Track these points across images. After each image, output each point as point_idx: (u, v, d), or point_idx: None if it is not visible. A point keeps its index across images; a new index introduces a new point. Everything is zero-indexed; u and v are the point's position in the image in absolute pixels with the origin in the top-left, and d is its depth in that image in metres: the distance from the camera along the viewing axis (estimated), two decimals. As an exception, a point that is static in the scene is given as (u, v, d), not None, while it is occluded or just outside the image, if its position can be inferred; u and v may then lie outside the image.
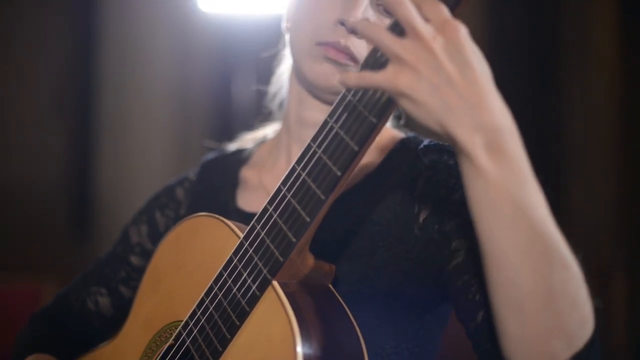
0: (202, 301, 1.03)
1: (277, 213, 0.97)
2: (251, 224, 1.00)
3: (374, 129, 0.88)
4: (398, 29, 0.84)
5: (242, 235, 1.01)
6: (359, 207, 1.12)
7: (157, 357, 1.10)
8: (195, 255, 1.10)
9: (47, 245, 4.23)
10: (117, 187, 4.17)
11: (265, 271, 0.97)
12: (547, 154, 4.70)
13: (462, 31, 0.80)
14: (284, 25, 1.26)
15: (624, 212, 4.84)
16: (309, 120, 1.21)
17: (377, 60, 0.87)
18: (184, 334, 1.05)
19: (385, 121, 0.91)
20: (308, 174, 0.94)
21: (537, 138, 4.42)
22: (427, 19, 0.81)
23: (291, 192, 0.96)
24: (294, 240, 0.95)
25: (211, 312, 1.01)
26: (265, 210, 0.99)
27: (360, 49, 1.11)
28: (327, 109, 0.93)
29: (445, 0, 0.83)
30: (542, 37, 5.06)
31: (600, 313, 0.89)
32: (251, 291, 0.98)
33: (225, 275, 1.01)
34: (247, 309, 0.97)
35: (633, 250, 4.77)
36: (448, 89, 0.79)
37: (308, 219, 0.94)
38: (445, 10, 0.81)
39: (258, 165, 1.32)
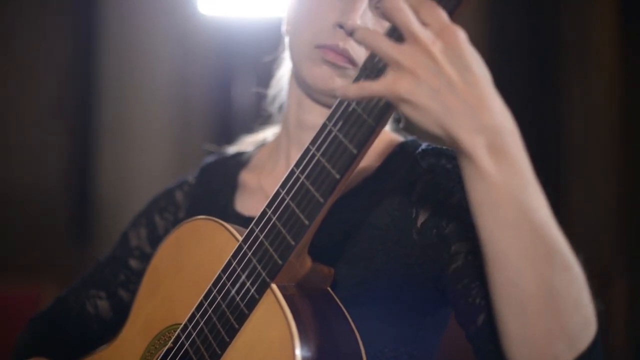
0: (200, 304, 1.03)
1: (276, 216, 0.97)
2: (250, 227, 1.00)
3: (373, 132, 0.88)
4: (396, 34, 0.84)
5: (241, 239, 1.01)
6: (358, 210, 1.12)
7: (156, 360, 1.10)
8: (194, 258, 1.10)
9: (47, 248, 4.23)
10: (117, 189, 4.17)
11: (264, 274, 0.97)
12: (547, 154, 4.70)
13: (461, 35, 0.80)
14: (283, 28, 1.26)
15: (624, 212, 4.84)
16: (308, 123, 1.21)
17: (374, 66, 0.87)
18: (183, 337, 1.05)
19: (384, 124, 0.91)
20: (307, 177, 0.94)
21: (537, 138, 4.42)
22: (425, 24, 0.81)
23: (290, 195, 0.96)
24: (292, 243, 0.95)
25: (210, 315, 1.01)
26: (264, 213, 0.99)
27: (359, 51, 1.11)
28: (326, 113, 0.93)
29: (443, 4, 0.83)
30: (542, 37, 5.06)
31: (601, 314, 0.89)
32: (250, 294, 0.98)
33: (224, 278, 1.01)
34: (246, 312, 0.97)
35: (633, 250, 4.77)
36: (448, 93, 0.79)
37: (307, 222, 0.94)
38: (443, 15, 0.81)
39: (257, 169, 1.32)
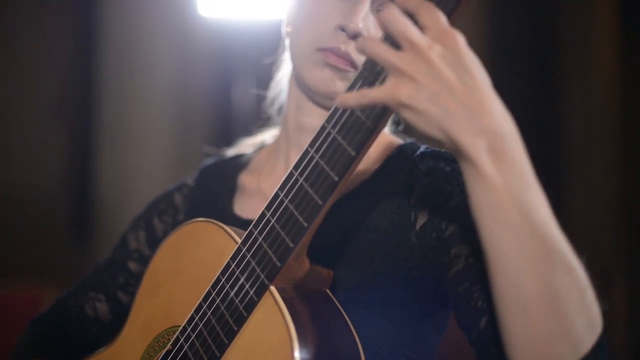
0: (199, 306, 1.03)
1: (275, 218, 0.97)
2: (249, 229, 1.00)
3: (371, 134, 0.89)
4: (394, 39, 0.84)
5: (239, 241, 1.01)
6: (356, 213, 1.12)
7: (155, 362, 1.10)
8: (193, 260, 1.10)
9: (47, 250, 4.23)
10: (117, 191, 4.17)
11: (262, 276, 0.97)
12: (547, 154, 4.69)
13: (460, 39, 0.81)
14: (284, 29, 1.26)
15: (624, 212, 4.84)
16: (307, 126, 1.21)
17: (372, 70, 0.88)
18: (182, 340, 1.05)
19: (383, 127, 0.91)
20: (305, 179, 0.94)
21: (537, 138, 4.42)
22: (424, 27, 0.82)
23: (289, 198, 0.96)
24: (291, 245, 0.95)
25: (209, 317, 1.01)
26: (262, 215, 0.99)
27: (361, 55, 1.11)
28: (326, 115, 0.94)
29: (442, 7, 0.83)
30: (542, 37, 5.06)
31: (603, 315, 0.89)
32: (249, 296, 0.98)
33: (223, 280, 1.01)
34: (245, 314, 0.97)
35: (633, 250, 4.77)
36: (448, 96, 0.80)
37: (305, 224, 0.94)
38: (442, 18, 0.82)
39: (257, 171, 1.32)
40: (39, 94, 4.45)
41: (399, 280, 1.08)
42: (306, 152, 0.95)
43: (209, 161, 1.42)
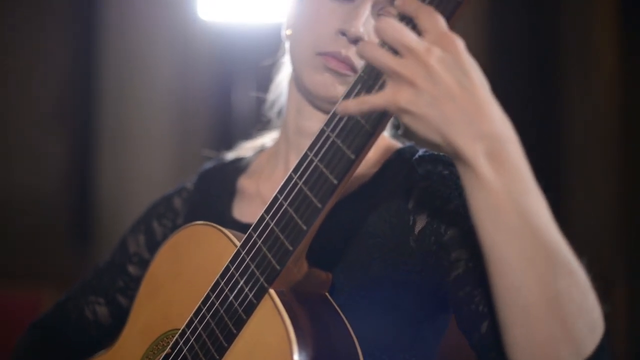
0: (199, 309, 1.03)
1: (274, 221, 0.97)
2: (248, 232, 1.00)
3: (370, 138, 0.89)
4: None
5: (239, 244, 1.01)
6: (355, 216, 1.12)
7: (154, 365, 1.10)
8: (192, 263, 1.10)
9: (47, 253, 4.22)
10: (117, 195, 4.17)
11: (262, 279, 0.97)
12: (547, 154, 4.69)
13: (459, 43, 0.81)
14: (283, 32, 1.26)
15: (624, 212, 4.84)
16: (307, 130, 1.21)
17: (370, 74, 0.88)
18: (181, 343, 1.05)
19: (382, 130, 0.91)
20: (305, 183, 0.94)
21: (537, 138, 4.42)
22: (423, 30, 0.82)
23: (288, 201, 0.96)
24: (290, 248, 0.95)
25: (208, 320, 1.01)
26: (262, 218, 0.99)
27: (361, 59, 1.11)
28: (325, 119, 0.94)
29: (441, 10, 0.83)
30: (542, 38, 5.06)
31: (604, 317, 0.89)
32: (248, 299, 0.98)
33: (222, 283, 1.01)
34: (244, 317, 0.98)
35: (633, 250, 4.77)
36: (446, 100, 0.80)
37: (305, 228, 0.94)
38: (441, 21, 0.82)
39: (256, 174, 1.32)
40: (40, 97, 4.45)
41: (398, 284, 1.08)
42: (305, 156, 0.95)
43: (209, 165, 1.42)
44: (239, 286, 0.99)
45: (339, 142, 0.91)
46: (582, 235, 4.28)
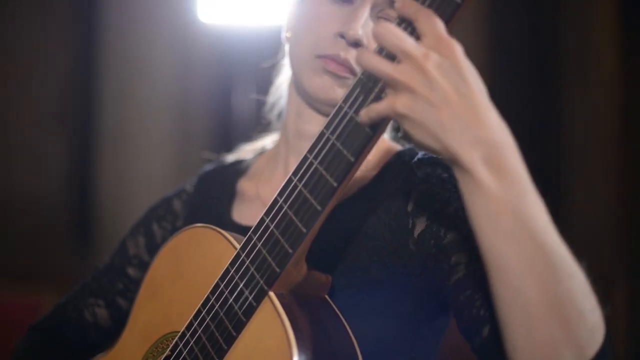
0: (198, 312, 1.03)
1: (274, 224, 0.97)
2: (248, 235, 1.00)
3: (370, 140, 0.89)
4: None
5: (238, 246, 1.01)
6: (355, 219, 1.12)
7: (154, 367, 1.10)
8: (192, 266, 1.10)
9: (47, 255, 4.22)
10: (118, 197, 4.17)
11: (261, 282, 0.97)
12: (547, 154, 4.69)
13: (457, 48, 0.81)
14: (283, 35, 1.26)
15: (624, 212, 4.84)
16: (307, 133, 1.21)
17: (370, 77, 0.88)
18: (181, 345, 1.05)
19: (382, 132, 0.91)
20: (304, 185, 0.95)
21: (537, 138, 4.42)
22: (422, 34, 0.82)
23: (288, 203, 0.96)
24: (290, 251, 0.95)
25: (208, 322, 1.01)
26: (261, 221, 0.99)
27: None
28: (325, 122, 0.94)
29: (440, 13, 0.83)
30: (542, 38, 5.05)
31: (605, 319, 0.88)
32: (248, 302, 0.98)
33: (222, 286, 1.01)
34: (244, 319, 0.98)
35: (633, 251, 4.76)
36: (443, 106, 0.80)
37: (304, 230, 0.94)
38: (440, 26, 0.82)
39: (256, 177, 1.32)
40: (40, 97, 4.45)
41: (397, 287, 1.08)
42: (305, 158, 0.95)
43: (208, 167, 1.42)
44: (238, 289, 0.99)
45: (338, 144, 0.91)
46: (582, 235, 4.28)
